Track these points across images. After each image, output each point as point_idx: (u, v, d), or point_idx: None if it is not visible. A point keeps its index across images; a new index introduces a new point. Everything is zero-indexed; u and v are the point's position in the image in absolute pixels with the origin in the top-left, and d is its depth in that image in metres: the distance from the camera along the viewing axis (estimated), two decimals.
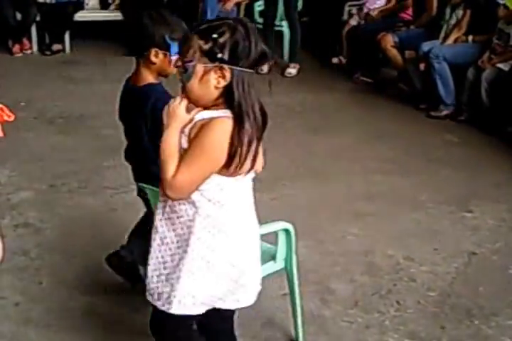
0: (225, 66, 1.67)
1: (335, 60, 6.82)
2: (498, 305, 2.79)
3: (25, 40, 6.94)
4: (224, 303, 1.90)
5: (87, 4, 7.17)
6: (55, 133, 4.75)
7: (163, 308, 1.85)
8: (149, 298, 1.89)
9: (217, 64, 1.67)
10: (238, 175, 1.75)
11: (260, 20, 6.87)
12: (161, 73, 2.37)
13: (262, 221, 2.89)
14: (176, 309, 1.83)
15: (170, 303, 1.83)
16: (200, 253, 1.78)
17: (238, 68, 1.67)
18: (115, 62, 6.39)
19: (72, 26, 6.92)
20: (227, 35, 1.66)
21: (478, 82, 5.13)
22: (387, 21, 6.48)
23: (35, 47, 7.04)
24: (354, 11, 7.02)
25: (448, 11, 5.85)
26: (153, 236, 1.86)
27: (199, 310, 1.86)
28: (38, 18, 6.87)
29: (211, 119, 1.68)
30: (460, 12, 5.65)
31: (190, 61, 1.69)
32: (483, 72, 5.11)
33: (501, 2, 5.22)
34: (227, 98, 1.70)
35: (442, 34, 5.84)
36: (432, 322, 2.66)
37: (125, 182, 3.52)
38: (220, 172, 1.73)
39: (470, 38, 5.47)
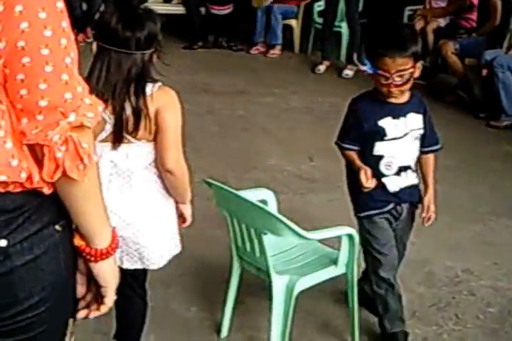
0: None
1: None
2: None
3: (88, 30, 7.04)
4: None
5: None
6: None
7: None
8: None
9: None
10: None
11: (319, 20, 6.82)
12: None
13: (319, 222, 2.88)
14: None
15: None
16: None
17: None
18: (173, 54, 6.40)
19: None
20: None
21: None
22: (449, 28, 6.40)
23: None
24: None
25: None
26: None
27: None
28: (102, 9, 6.96)
29: None
30: None
31: None
32: None
33: None
34: None
35: (506, 44, 5.72)
36: (491, 340, 2.59)
37: None
38: None
39: None
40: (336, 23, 6.62)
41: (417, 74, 2.27)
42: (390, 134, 2.30)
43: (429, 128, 2.41)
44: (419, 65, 2.27)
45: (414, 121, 2.34)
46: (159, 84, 2.01)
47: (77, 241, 1.15)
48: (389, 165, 2.33)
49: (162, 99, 1.97)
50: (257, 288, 2.67)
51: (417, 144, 2.38)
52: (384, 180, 2.34)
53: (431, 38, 6.34)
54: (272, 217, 2.22)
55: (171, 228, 2.10)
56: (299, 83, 6.19)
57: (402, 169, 2.36)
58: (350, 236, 2.37)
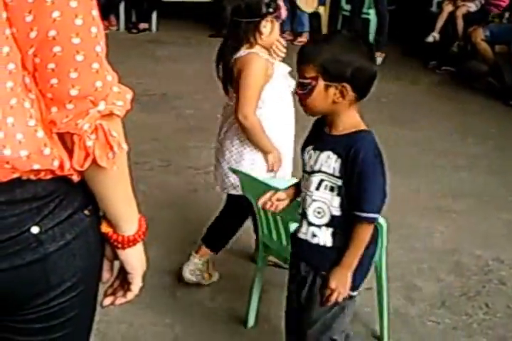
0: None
1: (430, 39, 6.45)
2: None
3: (112, 17, 7.05)
4: None
5: None
6: (139, 110, 4.77)
7: None
8: None
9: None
10: None
11: (347, 7, 6.75)
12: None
13: None
14: None
15: None
16: None
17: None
18: (200, 42, 6.41)
19: (160, 6, 6.99)
20: None
21: None
22: (479, 14, 6.28)
23: (122, 25, 7.13)
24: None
25: None
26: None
27: None
28: None
29: None
30: None
31: None
32: None
33: None
34: None
35: None
36: None
37: (208, 163, 3.51)
38: None
39: None
40: (364, 10, 6.55)
41: (336, 97, 1.73)
42: (304, 165, 1.88)
43: (359, 185, 1.73)
44: (346, 89, 1.71)
45: (327, 163, 1.78)
46: (252, 50, 2.41)
47: (105, 228, 1.15)
48: (303, 200, 1.88)
49: (244, 62, 2.39)
50: (282, 277, 2.66)
51: (332, 198, 1.79)
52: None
53: (460, 22, 6.24)
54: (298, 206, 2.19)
55: (257, 171, 2.49)
56: None
57: (303, 214, 1.86)
58: (379, 225, 2.34)
